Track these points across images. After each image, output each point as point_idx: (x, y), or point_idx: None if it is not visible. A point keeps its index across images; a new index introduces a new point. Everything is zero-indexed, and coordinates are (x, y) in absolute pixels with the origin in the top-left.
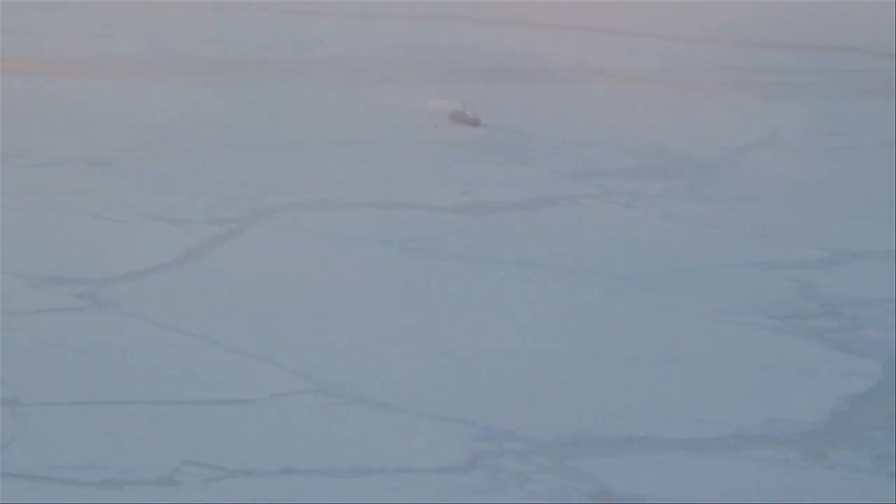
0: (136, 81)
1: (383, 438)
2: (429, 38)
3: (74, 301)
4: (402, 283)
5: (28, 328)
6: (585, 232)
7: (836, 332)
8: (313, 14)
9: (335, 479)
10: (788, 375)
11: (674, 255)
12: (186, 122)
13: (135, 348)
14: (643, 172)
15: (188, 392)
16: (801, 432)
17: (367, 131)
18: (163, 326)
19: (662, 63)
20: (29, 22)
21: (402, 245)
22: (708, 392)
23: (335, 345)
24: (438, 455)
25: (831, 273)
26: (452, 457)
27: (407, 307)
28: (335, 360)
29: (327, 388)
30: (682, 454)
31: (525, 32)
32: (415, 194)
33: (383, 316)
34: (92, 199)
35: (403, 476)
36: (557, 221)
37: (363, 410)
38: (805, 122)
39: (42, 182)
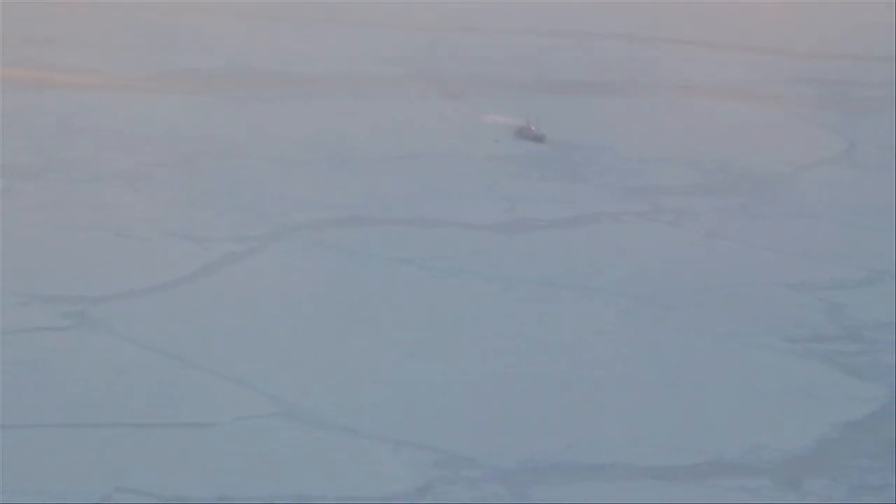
0: (200, 96)
1: (337, 464)
2: (511, 51)
3: (62, 320)
4: (411, 303)
5: (6, 348)
6: (621, 250)
7: (851, 355)
8: (400, 28)
9: None
10: (786, 400)
11: (707, 275)
12: (239, 136)
13: (109, 370)
14: (700, 189)
15: (151, 415)
16: (780, 460)
17: (424, 146)
18: (145, 347)
19: (753, 76)
20: (104, 36)
21: (424, 263)
22: (695, 417)
23: (318, 367)
24: (389, 482)
25: (864, 294)
26: (403, 484)
27: (408, 328)
28: (313, 382)
29: (296, 412)
30: (648, 482)
31: (616, 45)
32: (455, 211)
33: (379, 337)
34: (119, 216)
35: None
36: (595, 239)
37: (326, 435)
38: (887, 138)
39: (73, 198)
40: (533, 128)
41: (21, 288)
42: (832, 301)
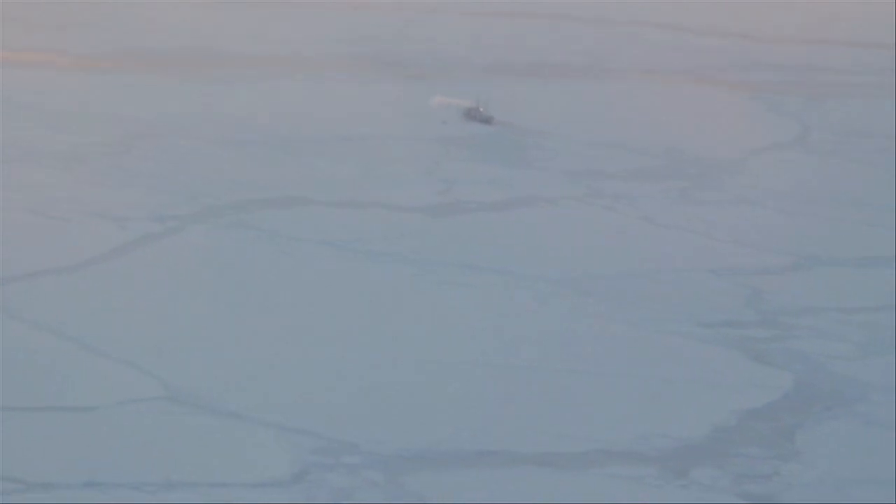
0: (153, 77)
1: (216, 449)
2: (478, 33)
3: None
4: (322, 287)
5: None
6: (550, 234)
7: (763, 342)
8: (366, 9)
9: (139, 492)
10: (690, 387)
11: (633, 260)
12: (185, 117)
13: None
14: (644, 174)
15: (32, 399)
16: (671, 448)
17: (371, 128)
18: (41, 329)
19: (721, 61)
20: (65, 16)
21: (344, 246)
22: (593, 404)
23: (215, 351)
24: (265, 468)
25: (786, 280)
26: (279, 470)
27: (314, 312)
28: (207, 367)
29: (183, 397)
30: (530, 470)
31: (586, 29)
32: (389, 193)
33: (282, 321)
34: (44, 195)
35: (213, 491)
36: (526, 223)
37: (209, 420)
38: (844, 124)
39: (1, 178)
40: (482, 109)
41: None
42: (754, 287)
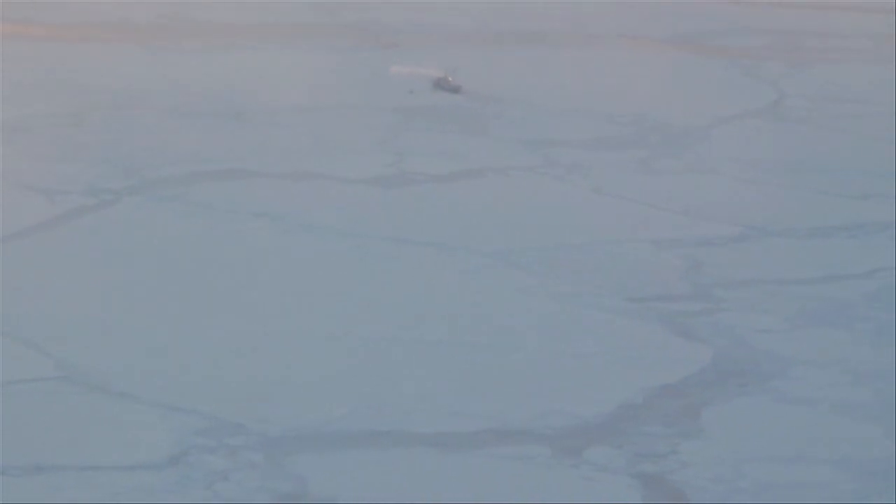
0: (119, 47)
1: (95, 430)
2: (449, 1)
3: None
4: (245, 260)
5: None
6: (494, 205)
7: (690, 316)
8: None
9: (5, 476)
10: (603, 363)
11: (573, 232)
12: (142, 88)
13: None
14: (605, 142)
15: None
16: (569, 427)
17: (332, 98)
18: None
19: (706, 27)
20: None
21: (281, 218)
22: (496, 382)
23: (119, 329)
24: (142, 450)
25: (730, 252)
26: (156, 452)
27: (230, 286)
28: (109, 345)
29: (77, 376)
30: (419, 450)
31: None
32: (337, 165)
33: (197, 295)
34: None
35: (82, 474)
36: (472, 194)
37: (97, 400)
38: (822, 91)
39: None
40: (450, 79)
41: None
42: (694, 259)
